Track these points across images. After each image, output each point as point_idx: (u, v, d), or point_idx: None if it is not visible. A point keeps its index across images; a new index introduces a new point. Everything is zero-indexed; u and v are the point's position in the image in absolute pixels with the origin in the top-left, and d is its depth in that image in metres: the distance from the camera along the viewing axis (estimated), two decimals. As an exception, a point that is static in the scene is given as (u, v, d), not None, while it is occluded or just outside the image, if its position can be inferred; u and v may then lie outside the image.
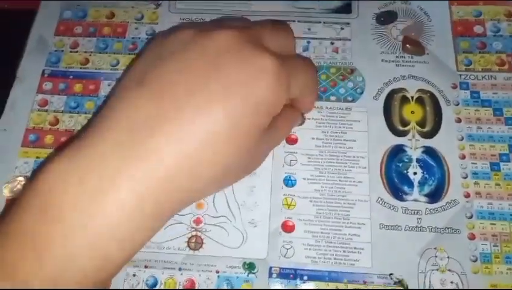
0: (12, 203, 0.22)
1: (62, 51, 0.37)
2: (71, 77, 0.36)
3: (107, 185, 0.20)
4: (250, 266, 0.29)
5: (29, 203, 0.20)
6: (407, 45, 0.36)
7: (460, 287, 0.29)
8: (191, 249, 0.30)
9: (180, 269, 0.30)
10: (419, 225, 0.31)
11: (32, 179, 0.22)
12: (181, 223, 0.31)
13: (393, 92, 0.34)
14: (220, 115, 0.21)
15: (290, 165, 0.32)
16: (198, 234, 0.30)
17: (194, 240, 0.30)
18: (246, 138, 0.22)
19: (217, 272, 0.29)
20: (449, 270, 0.29)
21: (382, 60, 0.35)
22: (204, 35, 0.23)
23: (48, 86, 0.36)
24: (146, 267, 0.30)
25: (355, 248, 0.30)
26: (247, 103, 0.22)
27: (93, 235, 0.20)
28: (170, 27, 0.37)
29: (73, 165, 0.20)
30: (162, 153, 0.20)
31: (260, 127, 0.23)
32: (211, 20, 0.36)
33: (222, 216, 0.31)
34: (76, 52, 0.37)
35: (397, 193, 0.31)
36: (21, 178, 0.33)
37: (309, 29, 0.37)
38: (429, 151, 0.33)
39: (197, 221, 0.31)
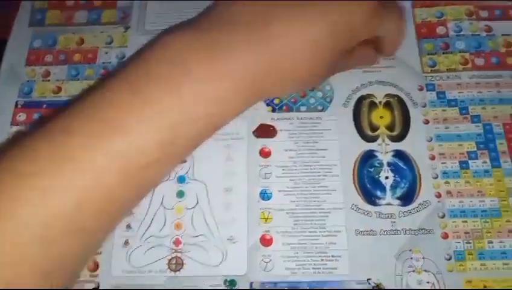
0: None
1: (34, 80, 0.38)
2: (45, 106, 0.37)
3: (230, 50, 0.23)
4: (231, 283, 0.30)
5: (157, 58, 0.23)
6: None
7: (437, 287, 0.30)
8: (171, 270, 0.31)
9: (162, 291, 0.30)
10: (393, 228, 0.31)
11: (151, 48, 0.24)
12: (161, 245, 0.31)
13: (361, 98, 0.35)
14: (322, 25, 0.24)
15: (265, 179, 0.33)
16: (178, 255, 0.31)
17: (174, 262, 0.31)
18: (333, 52, 0.25)
19: (199, 291, 0.30)
20: (425, 270, 0.30)
21: (349, 68, 0.36)
22: None
23: (21, 117, 0.36)
24: (129, 291, 0.30)
25: (332, 256, 0.31)
26: (344, 23, 0.24)
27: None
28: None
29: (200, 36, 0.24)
30: (278, 39, 0.23)
31: (345, 47, 0.26)
32: None
33: (201, 235, 0.31)
34: (49, 80, 0.38)
35: (370, 198, 0.32)
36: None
37: (276, 41, 0.37)
38: (399, 154, 0.33)
39: (177, 242, 0.31)
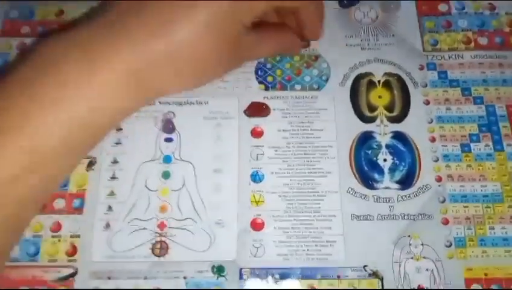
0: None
1: (9, 53, 0.35)
2: (20, 80, 0.34)
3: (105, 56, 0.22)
4: (219, 269, 0.28)
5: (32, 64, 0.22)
6: None
7: (436, 274, 0.28)
8: (156, 255, 0.29)
9: (145, 278, 0.28)
10: (391, 213, 0.30)
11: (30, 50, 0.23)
12: (144, 228, 0.29)
13: (359, 77, 0.33)
14: (205, 9, 0.22)
15: (257, 160, 0.31)
16: (163, 239, 0.29)
17: (158, 246, 0.29)
18: (225, 35, 0.24)
19: (185, 277, 0.28)
20: (424, 257, 0.29)
21: (346, 45, 0.34)
22: None
23: (-5, 91, 0.34)
24: (109, 278, 0.28)
25: (327, 241, 0.29)
26: (227, 3, 0.23)
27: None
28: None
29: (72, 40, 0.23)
30: (152, 39, 0.22)
31: (237, 27, 0.24)
32: None
33: (187, 218, 0.29)
34: (25, 53, 0.35)
35: (368, 182, 0.30)
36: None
37: (270, 16, 0.35)
38: (398, 136, 0.32)
39: (161, 225, 0.29)
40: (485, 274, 0.28)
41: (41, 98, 0.21)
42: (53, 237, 0.29)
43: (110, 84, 0.22)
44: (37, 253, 0.29)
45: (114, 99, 0.23)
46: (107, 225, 0.29)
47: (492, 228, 0.29)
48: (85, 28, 0.23)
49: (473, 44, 0.34)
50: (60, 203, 0.30)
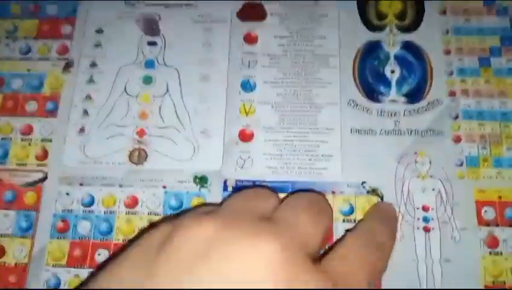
0: None
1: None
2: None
3: None
4: (202, 180, 0.26)
5: None
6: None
7: (443, 195, 0.25)
8: (133, 163, 0.26)
9: (120, 186, 0.26)
10: (396, 128, 0.27)
11: None
12: (122, 134, 0.27)
13: (368, -18, 0.30)
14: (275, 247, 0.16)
15: (249, 67, 0.28)
16: (142, 146, 0.26)
17: (136, 154, 0.26)
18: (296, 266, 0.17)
19: (164, 187, 0.26)
20: (431, 176, 0.26)
21: None
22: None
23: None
24: (81, 184, 0.26)
25: (322, 155, 0.26)
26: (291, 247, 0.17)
27: None
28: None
29: None
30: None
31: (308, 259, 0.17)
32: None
33: (170, 126, 0.27)
34: None
35: (372, 94, 0.27)
36: None
37: None
38: (409, 46, 0.28)
39: (141, 132, 0.27)
40: (499, 197, 0.25)
41: None
42: (23, 140, 0.27)
43: None
44: (5, 156, 0.26)
45: None
46: (82, 130, 0.27)
47: (510, 149, 0.26)
48: None
49: None
50: (32, 106, 0.27)
